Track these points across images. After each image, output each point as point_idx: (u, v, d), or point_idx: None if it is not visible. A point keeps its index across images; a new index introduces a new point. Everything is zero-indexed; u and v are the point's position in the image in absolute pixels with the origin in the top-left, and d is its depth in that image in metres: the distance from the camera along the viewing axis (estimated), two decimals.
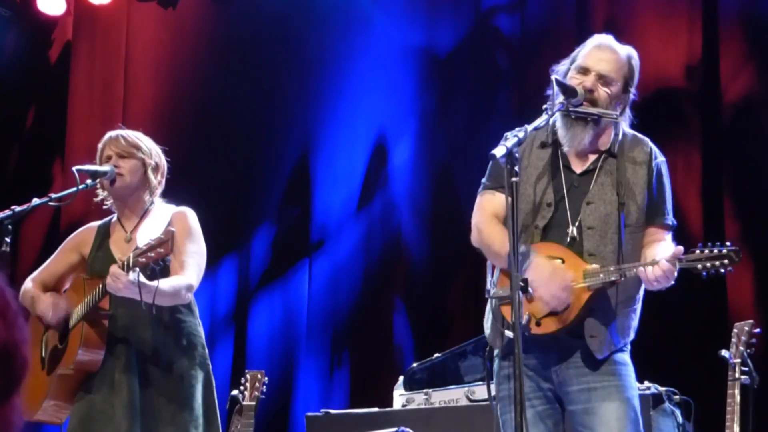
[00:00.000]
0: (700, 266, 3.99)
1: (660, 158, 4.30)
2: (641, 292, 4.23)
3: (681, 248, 4.00)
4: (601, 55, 4.25)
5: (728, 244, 4.00)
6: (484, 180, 4.33)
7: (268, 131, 8.59)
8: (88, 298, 4.60)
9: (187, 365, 4.72)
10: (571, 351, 4.14)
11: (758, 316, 6.68)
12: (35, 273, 4.94)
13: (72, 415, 4.69)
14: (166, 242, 4.37)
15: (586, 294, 4.07)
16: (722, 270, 3.98)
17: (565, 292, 4.04)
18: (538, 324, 4.08)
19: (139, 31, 8.68)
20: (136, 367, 4.65)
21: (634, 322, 4.22)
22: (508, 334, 3.97)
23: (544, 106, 4.10)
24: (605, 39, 4.32)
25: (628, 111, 4.30)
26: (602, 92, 4.19)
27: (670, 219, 4.26)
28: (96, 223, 4.97)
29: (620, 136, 4.27)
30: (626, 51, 4.32)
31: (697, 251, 4.00)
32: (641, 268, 4.01)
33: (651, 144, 4.32)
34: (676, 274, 4.01)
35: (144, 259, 4.40)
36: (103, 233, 4.90)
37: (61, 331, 4.76)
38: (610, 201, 4.17)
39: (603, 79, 4.20)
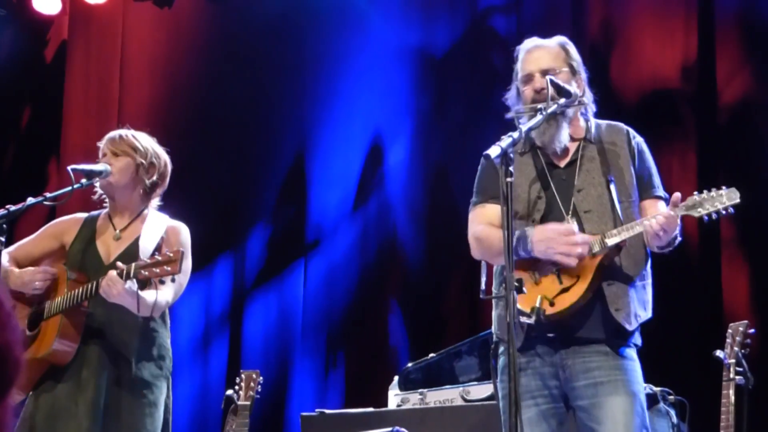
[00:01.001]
0: (701, 210, 4.05)
1: (638, 138, 4.39)
2: (649, 267, 4.27)
3: (678, 194, 4.07)
4: (534, 55, 4.35)
5: (723, 186, 4.05)
6: (473, 198, 4.40)
7: (264, 131, 8.59)
8: (72, 293, 4.57)
9: (155, 374, 4.69)
10: (579, 346, 4.16)
11: (753, 316, 6.69)
12: (12, 248, 4.87)
13: (35, 407, 4.64)
14: (175, 262, 4.34)
15: (593, 262, 4.11)
16: (723, 212, 4.04)
17: (579, 242, 4.07)
18: (552, 304, 4.10)
19: (134, 30, 8.68)
20: (106, 368, 4.61)
21: (650, 296, 4.26)
22: (525, 320, 3.98)
23: (539, 107, 4.12)
24: (530, 41, 4.42)
25: (588, 91, 4.36)
26: None
27: (661, 191, 4.33)
28: (83, 215, 4.93)
29: (592, 122, 4.35)
30: (555, 40, 4.42)
31: (695, 196, 4.05)
32: (645, 222, 4.06)
33: (627, 127, 4.40)
34: (678, 221, 4.06)
35: (147, 273, 4.37)
36: (90, 226, 4.85)
37: (30, 318, 4.72)
38: (600, 183, 4.24)
39: (547, 73, 4.26)
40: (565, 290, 4.12)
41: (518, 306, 4.02)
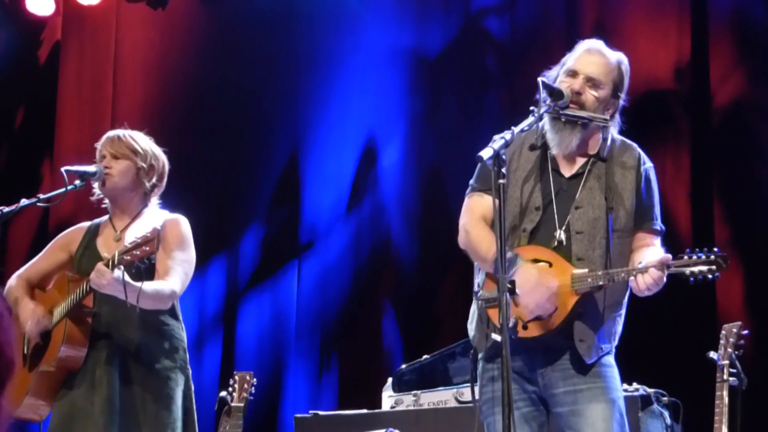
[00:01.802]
0: (687, 272, 3.99)
1: (648, 164, 4.32)
2: (626, 299, 4.24)
3: (669, 256, 4.02)
4: (590, 58, 4.26)
5: (716, 250, 3.99)
6: (471, 182, 4.33)
7: (258, 132, 8.59)
8: (73, 295, 4.60)
9: (168, 367, 4.71)
10: (557, 354, 4.14)
11: (747, 317, 6.69)
12: (22, 269, 4.92)
13: (54, 414, 4.68)
14: (152, 240, 4.36)
15: (573, 298, 4.07)
16: (710, 276, 3.99)
17: (550, 302, 4.05)
18: (525, 327, 4.07)
19: (128, 31, 8.67)
20: (118, 365, 4.64)
21: (620, 327, 4.23)
22: (495, 337, 3.96)
23: (531, 108, 4.11)
24: (595, 44, 4.33)
25: (617, 117, 4.31)
26: (590, 95, 4.20)
27: (659, 224, 4.27)
28: (86, 224, 4.96)
29: (609, 141, 4.28)
30: (616, 56, 4.33)
31: (685, 257, 4.00)
32: (631, 278, 4.02)
33: (639, 150, 4.32)
34: (665, 279, 4.02)
35: (129, 257, 4.39)
36: (93, 232, 4.89)
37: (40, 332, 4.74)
38: (599, 205, 4.18)
39: (591, 82, 4.21)
40: (540, 317, 4.08)
41: (492, 320, 4.02)
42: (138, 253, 4.37)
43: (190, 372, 4.81)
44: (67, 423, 4.62)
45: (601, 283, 4.05)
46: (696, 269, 3.98)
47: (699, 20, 7.55)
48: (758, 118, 7.40)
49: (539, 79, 4.14)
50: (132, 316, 4.61)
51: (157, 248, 4.38)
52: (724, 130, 7.45)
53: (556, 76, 4.27)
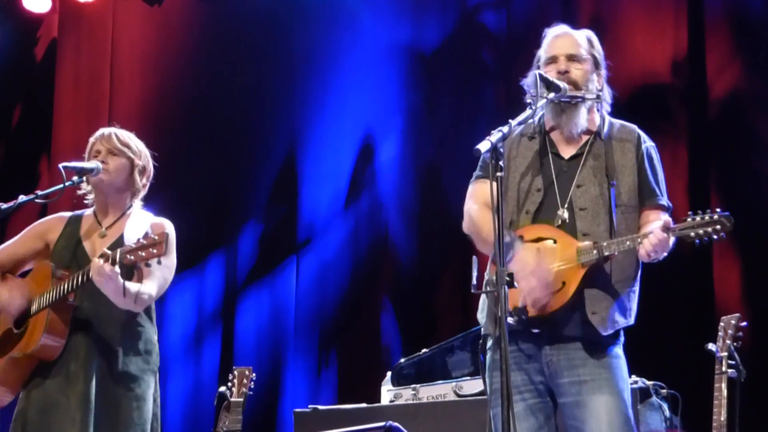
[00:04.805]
0: (693, 234, 4.03)
1: (649, 142, 4.38)
2: (638, 274, 4.26)
3: (670, 219, 4.07)
4: (562, 40, 4.37)
5: (718, 210, 4.03)
6: (476, 171, 4.38)
7: (255, 128, 8.59)
8: (58, 287, 4.58)
9: (142, 368, 4.69)
10: (564, 342, 4.15)
11: (745, 309, 6.70)
12: None
13: (27, 403, 4.64)
14: (160, 244, 4.34)
15: (581, 271, 4.10)
16: (715, 237, 4.02)
17: (548, 287, 4.06)
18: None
19: (125, 28, 8.67)
20: (94, 361, 4.61)
21: (634, 304, 4.25)
22: (510, 321, 3.96)
23: (528, 101, 4.14)
24: (560, 28, 4.44)
25: (608, 89, 4.39)
26: (576, 71, 4.29)
27: (665, 200, 4.32)
28: (67, 214, 4.92)
29: (606, 119, 4.35)
30: (583, 32, 4.44)
31: (689, 219, 4.04)
32: (638, 240, 4.05)
33: (639, 130, 4.39)
34: (671, 243, 4.06)
35: (133, 257, 4.37)
36: (74, 224, 4.84)
37: (18, 316, 4.71)
38: (600, 182, 4.23)
39: (572, 58, 4.30)
40: (539, 302, 4.09)
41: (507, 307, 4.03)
42: (144, 254, 4.36)
43: (159, 376, 4.80)
44: (43, 415, 4.58)
45: (606, 253, 4.08)
46: (700, 231, 4.01)
47: (695, 13, 7.56)
48: (755, 110, 7.41)
49: (536, 73, 4.19)
50: (112, 315, 4.60)
51: (164, 252, 4.38)
52: (721, 123, 7.46)
53: (535, 76, 4.31)
